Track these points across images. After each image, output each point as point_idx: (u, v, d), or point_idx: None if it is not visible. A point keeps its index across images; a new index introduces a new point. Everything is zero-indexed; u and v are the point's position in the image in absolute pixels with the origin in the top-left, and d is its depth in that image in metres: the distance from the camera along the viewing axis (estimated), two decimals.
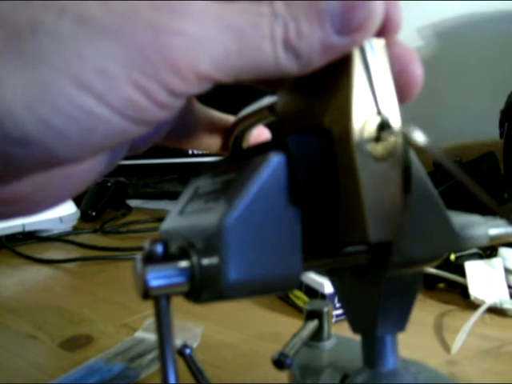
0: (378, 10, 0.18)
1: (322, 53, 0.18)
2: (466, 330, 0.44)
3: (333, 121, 0.19)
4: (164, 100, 0.17)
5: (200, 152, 1.08)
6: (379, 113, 0.18)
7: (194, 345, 0.46)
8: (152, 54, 0.16)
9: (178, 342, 0.38)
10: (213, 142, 0.28)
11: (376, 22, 0.18)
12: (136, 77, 0.16)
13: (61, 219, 0.91)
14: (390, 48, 0.19)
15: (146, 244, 0.19)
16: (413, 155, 0.20)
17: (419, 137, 0.17)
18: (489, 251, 0.56)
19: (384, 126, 0.18)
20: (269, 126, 0.28)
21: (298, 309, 0.52)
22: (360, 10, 0.17)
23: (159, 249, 0.19)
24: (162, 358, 0.19)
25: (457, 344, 0.43)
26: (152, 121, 0.17)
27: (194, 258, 0.19)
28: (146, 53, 0.16)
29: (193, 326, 0.49)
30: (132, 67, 0.16)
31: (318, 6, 0.17)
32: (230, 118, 0.28)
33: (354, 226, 0.18)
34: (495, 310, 0.49)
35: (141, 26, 0.16)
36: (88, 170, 0.22)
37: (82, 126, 0.16)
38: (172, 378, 0.19)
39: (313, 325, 0.36)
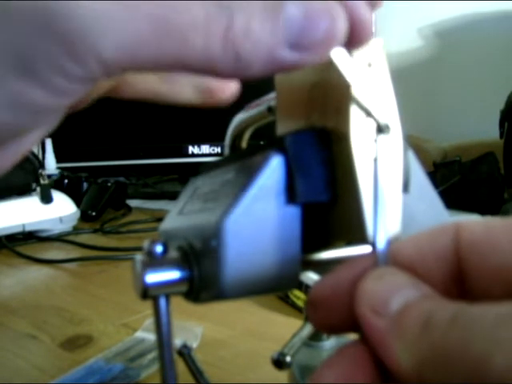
0: (340, 27, 0.15)
1: (265, 63, 0.16)
2: None
3: (332, 121, 0.19)
4: (63, 87, 0.15)
5: (200, 152, 1.08)
6: (378, 113, 0.18)
7: (194, 345, 0.46)
8: (44, 39, 0.15)
9: (177, 342, 0.39)
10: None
11: (336, 41, 0.16)
12: (26, 65, 0.15)
13: (61, 219, 0.91)
14: None
15: (145, 244, 0.19)
16: (413, 155, 0.20)
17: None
18: None
19: (383, 127, 0.18)
20: (268, 126, 0.28)
21: (298, 309, 0.52)
22: (322, 25, 0.15)
23: (158, 249, 0.19)
24: (162, 358, 0.19)
25: None
26: (55, 107, 0.17)
27: (193, 258, 0.19)
28: (34, 39, 0.15)
29: (193, 326, 0.49)
30: (20, 56, 0.15)
31: (277, 8, 0.15)
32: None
33: (352, 225, 0.18)
34: None
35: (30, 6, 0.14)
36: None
37: None
38: (172, 378, 0.19)
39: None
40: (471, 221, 0.16)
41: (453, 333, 0.12)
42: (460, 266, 0.15)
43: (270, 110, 0.25)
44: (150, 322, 0.51)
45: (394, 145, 0.18)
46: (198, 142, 1.07)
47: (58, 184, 1.02)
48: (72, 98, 0.16)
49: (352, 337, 0.23)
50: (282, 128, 0.23)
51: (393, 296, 0.14)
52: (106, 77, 0.16)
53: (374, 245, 0.19)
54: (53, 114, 0.18)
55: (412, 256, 0.16)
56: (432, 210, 0.20)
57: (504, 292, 0.14)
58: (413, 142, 0.19)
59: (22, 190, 0.89)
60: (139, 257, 0.18)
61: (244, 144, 0.28)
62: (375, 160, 0.18)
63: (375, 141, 0.18)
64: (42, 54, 0.15)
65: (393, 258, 0.16)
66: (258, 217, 0.18)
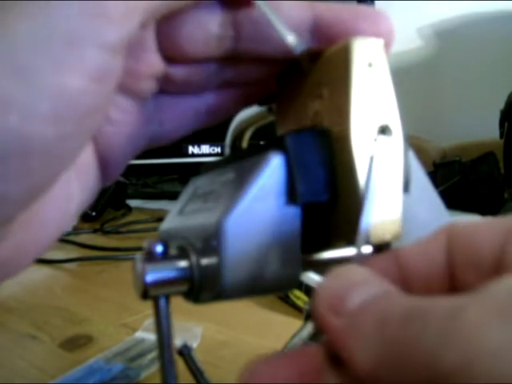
0: None
1: None
2: None
3: (332, 121, 0.19)
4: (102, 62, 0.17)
5: (200, 152, 1.08)
6: (379, 113, 0.18)
7: (194, 345, 0.46)
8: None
9: (177, 342, 0.39)
10: None
11: None
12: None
13: None
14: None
15: (146, 244, 0.19)
16: (413, 155, 0.20)
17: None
18: None
19: (384, 128, 0.18)
20: (268, 126, 0.28)
21: (298, 309, 0.52)
22: None
23: (158, 249, 0.19)
24: (162, 358, 0.19)
25: None
26: (95, 99, 0.17)
27: (194, 258, 0.19)
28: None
29: (193, 326, 0.49)
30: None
31: None
32: None
33: (353, 226, 0.18)
34: None
35: None
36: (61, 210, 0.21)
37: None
38: (172, 378, 0.19)
39: (313, 325, 0.36)
40: (461, 221, 0.16)
41: (405, 330, 0.11)
42: (451, 267, 0.15)
43: (271, 110, 0.25)
44: (149, 322, 0.51)
45: (394, 145, 0.18)
46: (198, 142, 1.07)
47: None
48: (110, 79, 0.17)
49: None
50: (283, 128, 0.23)
51: (350, 293, 0.13)
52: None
53: (373, 246, 0.19)
54: (92, 122, 0.18)
55: (416, 262, 0.16)
56: (432, 210, 0.20)
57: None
58: (413, 142, 0.19)
59: None
60: (139, 257, 0.18)
61: (244, 144, 0.28)
62: (371, 158, 0.18)
63: (376, 141, 0.18)
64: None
65: (397, 260, 0.16)
66: (258, 217, 0.18)
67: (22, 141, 0.16)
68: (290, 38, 0.20)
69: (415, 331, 0.11)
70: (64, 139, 0.17)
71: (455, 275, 0.15)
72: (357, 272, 0.14)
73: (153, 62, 0.21)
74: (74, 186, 0.21)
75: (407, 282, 0.16)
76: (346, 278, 0.14)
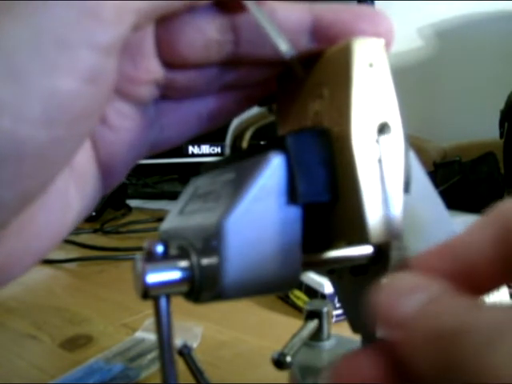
0: None
1: None
2: None
3: (332, 121, 0.19)
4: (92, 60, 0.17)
5: (200, 152, 1.08)
6: (379, 113, 0.18)
7: (194, 345, 0.46)
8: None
9: (177, 341, 0.38)
10: None
11: None
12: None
13: None
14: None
15: (146, 244, 0.19)
16: (413, 155, 0.20)
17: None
18: None
19: (383, 126, 0.18)
20: (268, 126, 0.28)
21: (298, 309, 0.52)
22: None
23: (159, 249, 0.18)
24: (162, 358, 0.19)
25: None
26: (87, 101, 0.17)
27: (194, 258, 0.19)
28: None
29: (193, 326, 0.49)
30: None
31: None
32: None
33: (353, 226, 0.18)
34: None
35: None
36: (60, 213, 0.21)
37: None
38: (172, 378, 0.19)
39: (313, 325, 0.36)
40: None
41: (456, 344, 0.12)
42: (506, 251, 0.15)
43: (271, 110, 0.25)
44: (150, 321, 0.51)
45: (395, 145, 0.18)
46: (198, 142, 1.07)
47: None
48: (101, 80, 0.17)
49: (352, 337, 0.23)
50: (283, 128, 0.23)
51: (402, 302, 0.14)
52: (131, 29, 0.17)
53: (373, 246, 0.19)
54: (85, 125, 0.18)
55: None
56: (433, 210, 0.20)
57: None
58: (413, 142, 0.19)
59: None
60: (140, 257, 0.18)
61: (245, 144, 0.28)
62: (380, 161, 0.18)
63: (377, 141, 0.18)
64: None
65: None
66: (258, 217, 0.18)
67: (14, 144, 0.16)
68: (281, 43, 0.20)
69: (464, 346, 0.12)
70: (57, 142, 0.17)
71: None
72: (407, 279, 0.15)
73: (152, 68, 0.21)
74: (73, 195, 0.21)
75: (460, 274, 0.15)
76: (398, 286, 0.14)
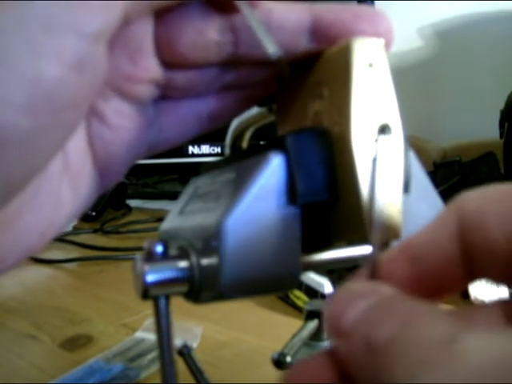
0: None
1: None
2: None
3: (332, 121, 0.19)
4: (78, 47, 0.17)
5: (200, 152, 1.08)
6: (379, 113, 0.18)
7: (194, 345, 0.46)
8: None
9: (177, 341, 0.38)
10: None
11: None
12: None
13: None
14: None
15: (146, 244, 0.19)
16: (413, 155, 0.20)
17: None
18: None
19: (384, 128, 0.18)
20: (268, 126, 0.28)
21: (298, 309, 0.52)
22: None
23: (159, 249, 0.19)
24: (162, 358, 0.19)
25: None
26: (74, 90, 0.17)
27: (194, 258, 0.19)
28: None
29: (193, 326, 0.49)
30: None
31: None
32: None
33: (353, 226, 0.18)
34: None
35: None
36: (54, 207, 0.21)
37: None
38: (172, 378, 0.19)
39: (313, 325, 0.36)
40: (469, 196, 0.15)
41: (388, 356, 0.12)
42: (463, 247, 0.15)
43: (271, 109, 0.25)
44: (149, 321, 0.51)
45: (394, 145, 0.18)
46: (198, 142, 1.07)
47: None
48: (88, 70, 0.17)
49: None
50: (283, 128, 0.23)
51: (344, 311, 0.13)
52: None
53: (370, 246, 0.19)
54: (71, 114, 0.18)
55: (421, 246, 0.15)
56: (433, 210, 0.20)
57: (500, 271, 0.14)
58: (413, 142, 0.19)
59: None
60: (140, 257, 0.18)
61: (245, 144, 0.28)
62: (374, 160, 0.18)
63: (376, 141, 0.18)
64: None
65: (403, 251, 0.15)
66: (258, 217, 0.18)
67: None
68: (268, 44, 0.20)
69: (392, 363, 0.11)
70: (41, 131, 0.17)
71: (473, 261, 0.14)
72: (355, 285, 0.14)
73: (151, 67, 0.21)
74: (66, 193, 0.21)
75: (421, 275, 0.15)
76: (345, 293, 0.14)
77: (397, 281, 0.15)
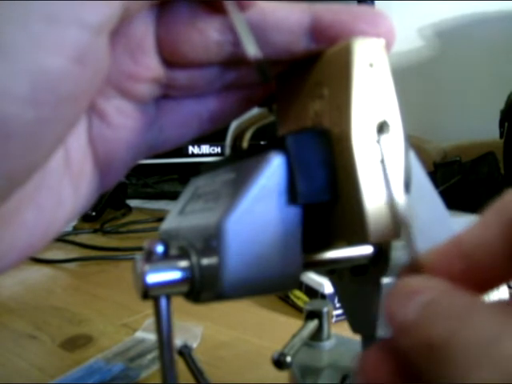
0: None
1: None
2: None
3: (332, 121, 0.19)
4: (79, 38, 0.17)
5: (200, 152, 1.08)
6: (379, 113, 0.18)
7: (194, 345, 0.46)
8: None
9: (177, 341, 0.38)
10: None
11: None
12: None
13: None
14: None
15: (146, 244, 0.19)
16: (413, 155, 0.20)
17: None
18: None
19: (382, 125, 0.18)
20: (268, 126, 0.28)
21: (298, 309, 0.52)
22: None
23: (159, 249, 0.18)
24: (162, 358, 0.19)
25: None
26: (76, 80, 0.17)
27: (194, 258, 0.19)
28: None
29: (193, 326, 0.49)
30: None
31: None
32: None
33: (353, 226, 0.18)
34: None
35: None
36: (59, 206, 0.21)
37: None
38: (172, 378, 0.19)
39: (313, 325, 0.36)
40: None
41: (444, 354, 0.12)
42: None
43: (271, 109, 0.25)
44: (149, 321, 0.51)
45: (395, 145, 0.18)
46: (198, 142, 1.07)
47: None
48: (89, 57, 0.17)
49: (352, 337, 0.23)
50: (283, 128, 0.23)
51: (403, 307, 0.14)
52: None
53: (375, 248, 0.19)
54: (73, 107, 0.18)
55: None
56: (433, 210, 0.20)
57: None
58: (413, 142, 0.19)
59: None
60: (140, 257, 0.18)
61: (245, 144, 0.28)
62: (382, 162, 0.18)
63: (378, 142, 0.18)
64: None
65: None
66: (258, 217, 0.18)
67: (1, 121, 0.16)
68: (249, 45, 0.20)
69: (450, 359, 0.12)
70: (44, 123, 0.17)
71: None
72: (412, 281, 0.15)
73: (152, 65, 0.21)
74: (67, 192, 0.21)
75: (471, 271, 0.15)
76: (403, 289, 0.15)
77: (446, 275, 0.15)
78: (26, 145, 0.17)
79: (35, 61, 0.16)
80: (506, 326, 0.12)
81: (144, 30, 0.20)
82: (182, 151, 1.08)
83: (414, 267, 0.16)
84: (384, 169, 0.18)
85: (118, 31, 0.19)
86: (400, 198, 0.18)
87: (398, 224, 0.18)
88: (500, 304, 0.14)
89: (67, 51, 0.16)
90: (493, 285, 0.16)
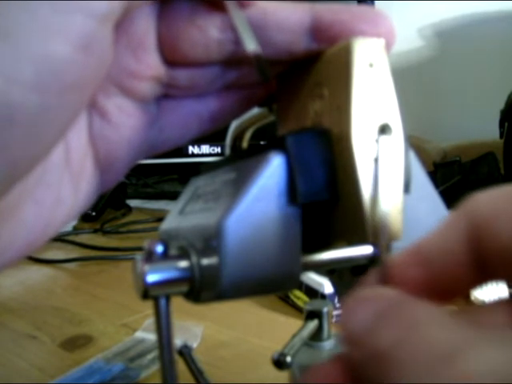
0: None
1: None
2: None
3: (332, 121, 0.19)
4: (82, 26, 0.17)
5: (200, 152, 1.08)
6: (379, 113, 0.18)
7: (194, 345, 0.46)
8: None
9: (177, 341, 0.38)
10: None
11: None
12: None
13: None
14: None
15: (146, 244, 0.19)
16: (413, 155, 0.20)
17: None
18: None
19: (384, 127, 0.18)
20: (268, 126, 0.28)
21: (298, 309, 0.52)
22: None
23: (159, 249, 0.18)
24: (162, 358, 0.19)
25: None
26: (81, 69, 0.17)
27: (194, 258, 0.19)
28: None
29: (193, 326, 0.49)
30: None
31: None
32: None
33: (353, 226, 0.18)
34: None
35: None
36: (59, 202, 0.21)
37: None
38: (172, 378, 0.19)
39: (313, 325, 0.36)
40: (479, 197, 0.15)
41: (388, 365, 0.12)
42: (475, 250, 0.14)
43: (271, 109, 0.25)
44: (149, 321, 0.51)
45: (395, 145, 0.18)
46: (198, 142, 1.07)
47: None
48: (92, 46, 0.17)
49: None
50: (283, 128, 0.23)
51: (352, 319, 0.13)
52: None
53: (376, 248, 0.19)
54: (76, 96, 0.18)
55: (432, 250, 0.15)
56: (433, 210, 0.20)
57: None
58: (413, 142, 0.19)
59: None
60: (140, 257, 0.18)
61: (245, 144, 0.28)
62: (376, 160, 0.18)
63: (376, 141, 0.18)
64: None
65: (414, 254, 0.15)
66: (258, 217, 0.18)
67: (6, 107, 0.16)
68: (248, 42, 0.20)
69: (394, 372, 0.12)
70: (48, 111, 0.17)
71: (485, 263, 0.14)
72: (361, 292, 0.14)
73: (153, 64, 0.21)
74: (66, 190, 0.21)
75: (432, 278, 0.15)
76: (353, 299, 0.14)
77: (407, 284, 0.15)
78: (29, 132, 0.17)
79: (40, 47, 0.16)
80: (454, 337, 0.11)
81: (145, 28, 0.20)
82: (182, 151, 1.08)
83: (382, 274, 0.15)
84: (376, 168, 0.17)
85: (120, 28, 0.19)
86: (397, 198, 0.18)
87: (373, 225, 0.18)
88: (462, 313, 0.14)
89: (73, 38, 0.17)
90: (457, 293, 0.15)
